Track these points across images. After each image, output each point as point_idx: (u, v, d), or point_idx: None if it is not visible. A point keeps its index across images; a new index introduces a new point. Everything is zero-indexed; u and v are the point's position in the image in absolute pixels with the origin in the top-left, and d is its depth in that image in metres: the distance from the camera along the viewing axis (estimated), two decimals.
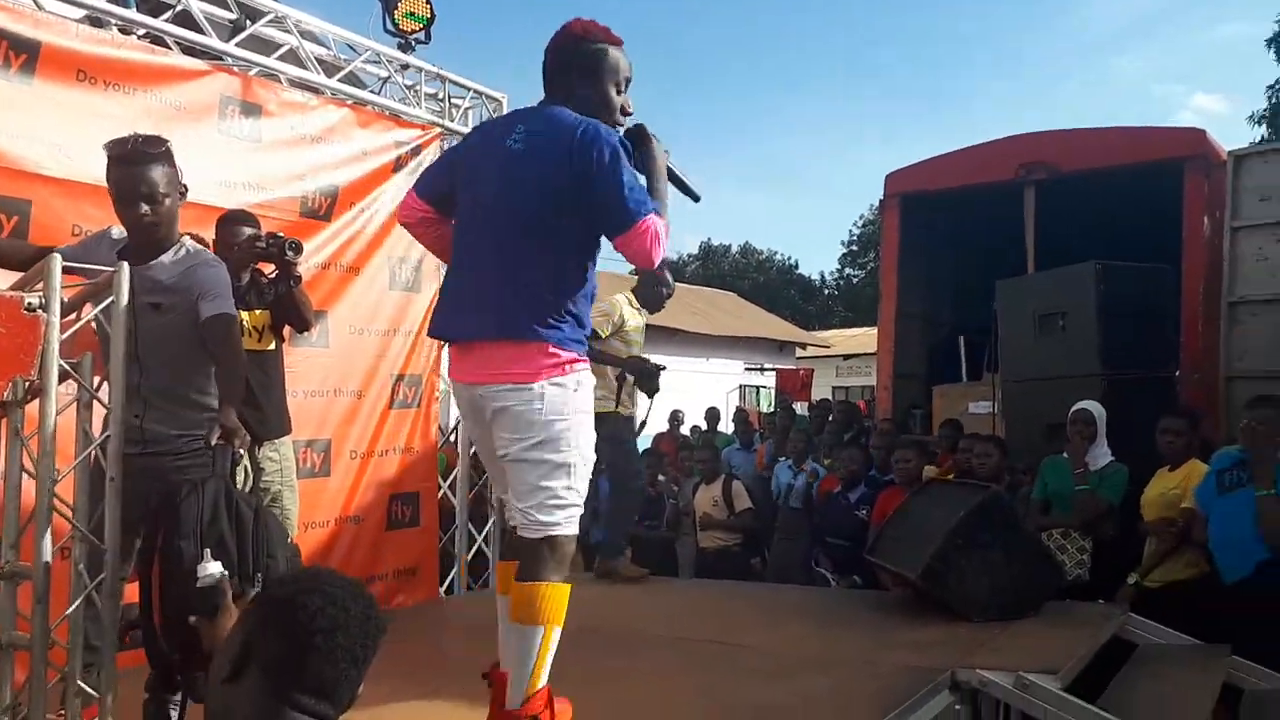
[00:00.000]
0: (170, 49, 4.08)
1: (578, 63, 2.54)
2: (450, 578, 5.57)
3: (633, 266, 2.72)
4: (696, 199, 2.75)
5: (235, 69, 4.28)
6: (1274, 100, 21.00)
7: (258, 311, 3.88)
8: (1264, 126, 20.72)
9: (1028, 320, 6.34)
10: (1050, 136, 7.50)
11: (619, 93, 2.56)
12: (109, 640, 2.50)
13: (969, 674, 3.12)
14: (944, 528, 3.96)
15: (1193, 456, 4.48)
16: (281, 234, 3.85)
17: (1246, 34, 56.59)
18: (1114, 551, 4.63)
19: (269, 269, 3.91)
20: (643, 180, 2.45)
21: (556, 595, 2.31)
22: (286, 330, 4.06)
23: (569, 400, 2.36)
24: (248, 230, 3.84)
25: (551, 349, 2.35)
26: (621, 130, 2.54)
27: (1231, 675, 3.61)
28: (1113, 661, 3.61)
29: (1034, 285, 6.60)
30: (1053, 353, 6.12)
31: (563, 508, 2.35)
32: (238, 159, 4.18)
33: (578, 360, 2.40)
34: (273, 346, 3.93)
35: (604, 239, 2.46)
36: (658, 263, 2.42)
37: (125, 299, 2.54)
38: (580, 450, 2.37)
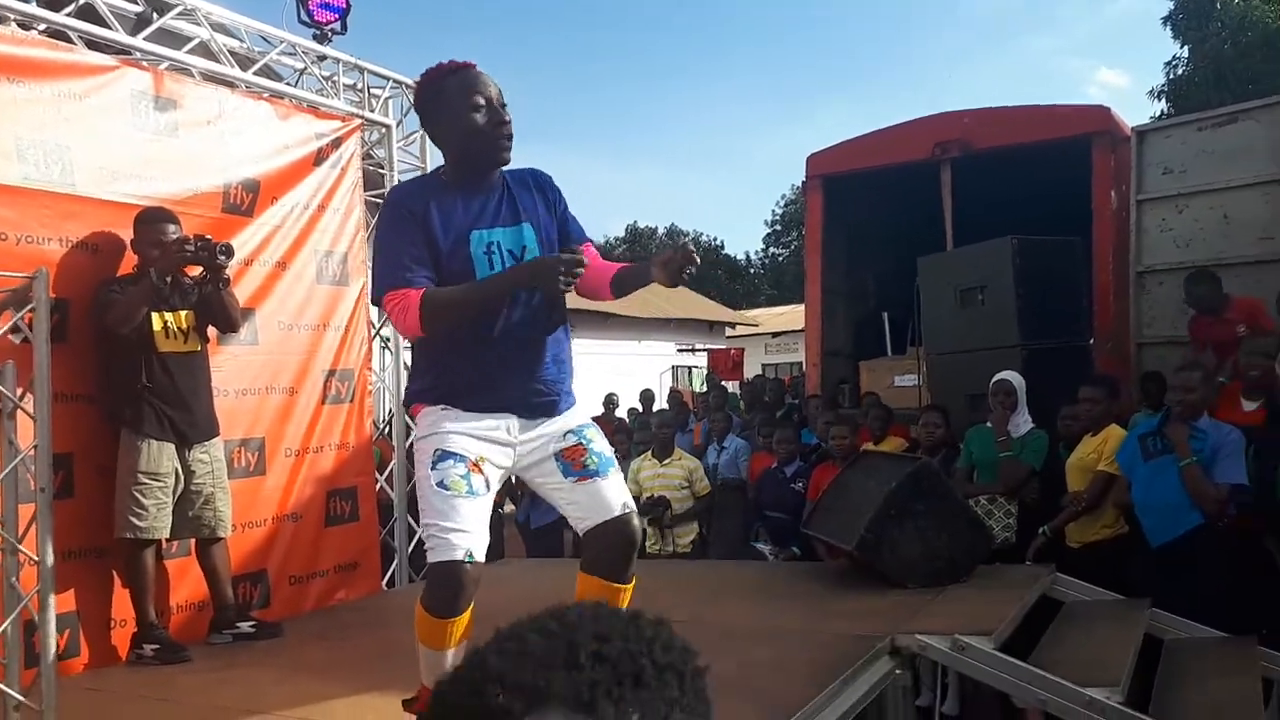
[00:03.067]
0: (74, 44, 3.94)
1: (424, 116, 2.56)
2: (391, 570, 5.54)
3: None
4: None
5: (145, 64, 4.15)
6: (1171, 76, 21.82)
7: (183, 313, 3.80)
8: (1163, 101, 21.53)
9: (949, 295, 6.51)
10: (964, 115, 7.69)
11: (476, 110, 2.38)
12: (48, 652, 2.44)
13: (907, 639, 3.22)
14: (877, 499, 4.07)
15: (1111, 423, 4.67)
16: (209, 237, 3.79)
17: (1144, 10, 58.61)
18: (1038, 514, 4.82)
19: (194, 270, 3.83)
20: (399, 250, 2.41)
21: (418, 617, 2.37)
22: (211, 331, 3.99)
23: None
24: (171, 228, 3.76)
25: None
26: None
27: (1152, 627, 3.80)
28: (1042, 619, 3.76)
29: (954, 261, 6.79)
30: (973, 326, 6.30)
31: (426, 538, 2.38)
32: (153, 154, 4.07)
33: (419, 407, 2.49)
34: (199, 348, 3.87)
35: None
36: (412, 334, 2.43)
37: (45, 307, 2.47)
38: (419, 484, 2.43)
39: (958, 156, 7.39)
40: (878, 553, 4.01)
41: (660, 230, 49.80)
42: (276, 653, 3.76)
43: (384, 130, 5.57)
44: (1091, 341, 6.53)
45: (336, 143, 5.01)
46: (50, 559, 2.44)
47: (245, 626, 3.91)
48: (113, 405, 3.69)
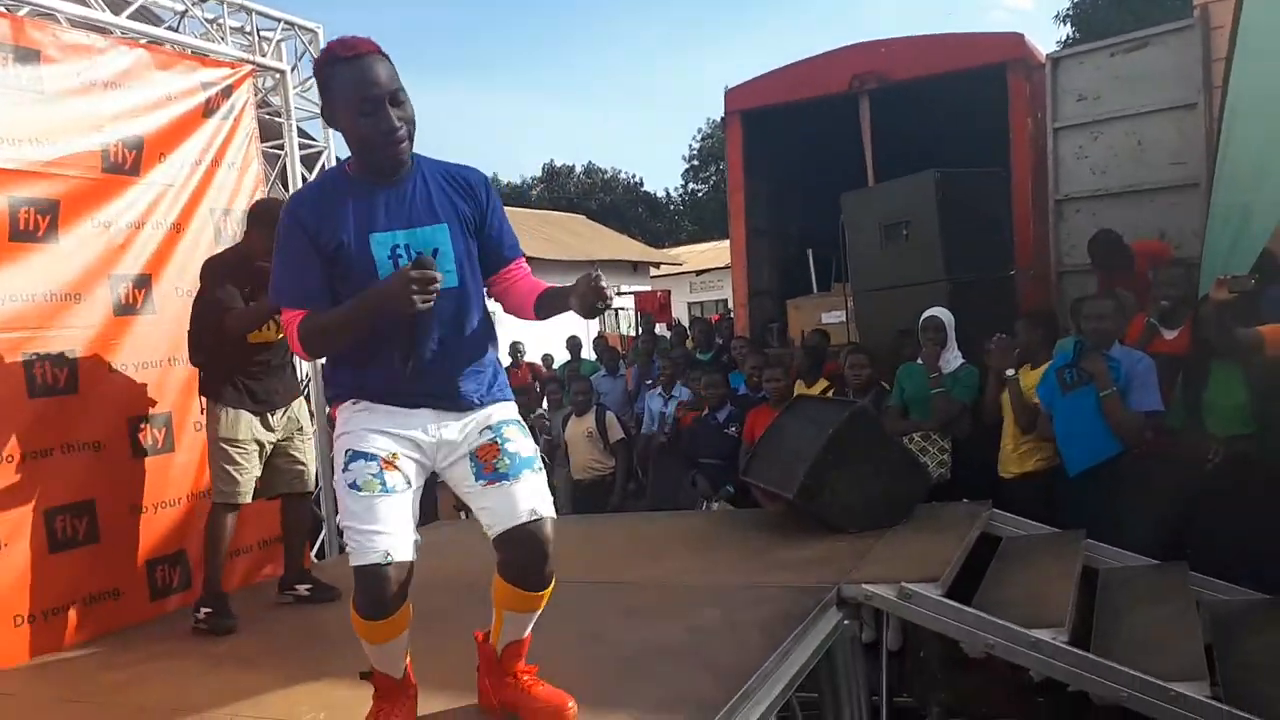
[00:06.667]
0: None
1: (321, 102, 2.36)
2: (320, 541, 5.35)
3: None
4: None
5: (1, 10, 3.75)
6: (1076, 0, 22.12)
7: None
8: (1069, 25, 21.83)
9: (873, 230, 6.45)
10: (879, 46, 7.55)
11: (364, 115, 2.19)
12: None
13: (854, 589, 3.19)
14: (815, 445, 4.02)
15: (1048, 357, 4.69)
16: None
17: None
18: (971, 449, 4.85)
19: None
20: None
21: (352, 618, 2.28)
22: (106, 300, 3.73)
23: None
24: None
25: None
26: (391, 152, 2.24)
27: (1088, 558, 3.85)
28: (981, 556, 3.78)
29: (877, 196, 6.72)
30: (899, 261, 6.27)
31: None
32: (18, 112, 3.70)
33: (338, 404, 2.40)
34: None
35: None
36: (303, 355, 2.38)
37: None
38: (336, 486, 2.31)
39: (875, 88, 7.29)
40: (818, 499, 3.97)
41: (578, 168, 49.11)
42: (198, 641, 3.56)
43: (278, 76, 5.21)
44: (1014, 272, 6.57)
45: (227, 92, 4.66)
46: None
47: (302, 589, 3.94)
48: (202, 376, 3.85)
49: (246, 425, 3.75)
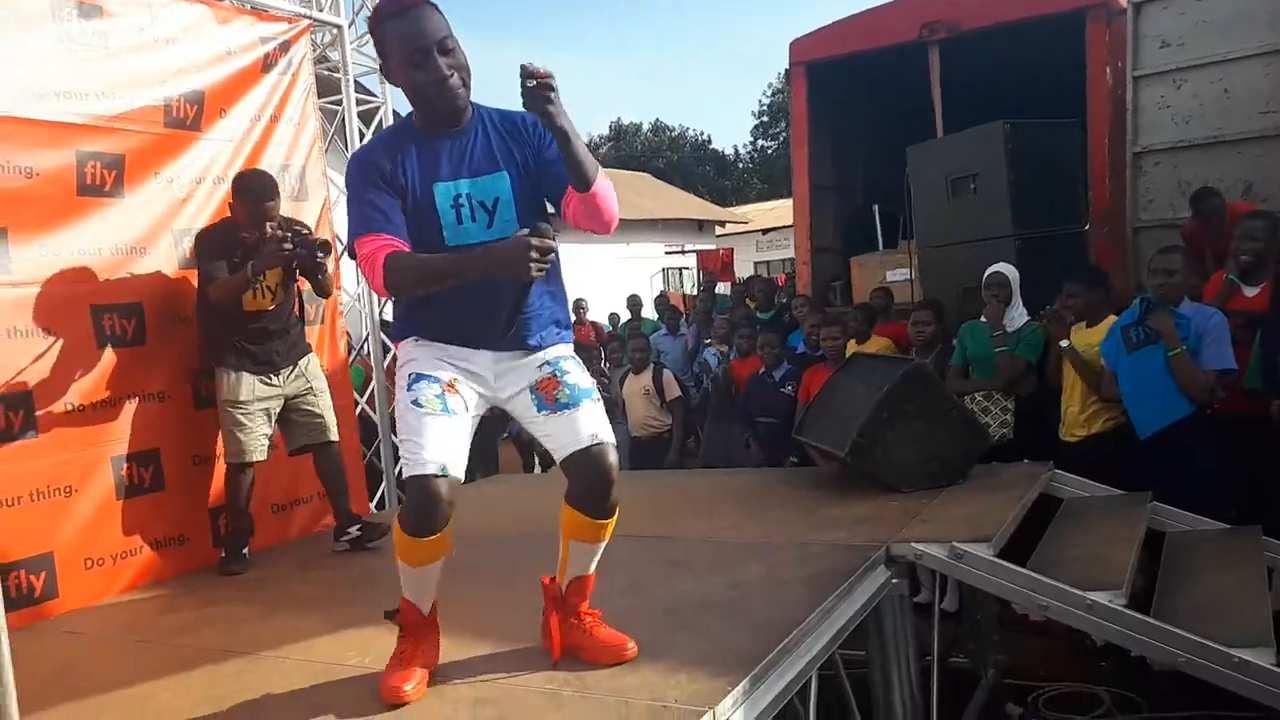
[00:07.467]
0: None
1: (379, 57, 2.39)
2: (380, 492, 5.46)
3: None
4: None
5: None
6: None
7: (270, 273, 3.86)
8: None
9: (940, 185, 6.29)
10: None
11: (415, 66, 2.23)
12: None
13: (903, 548, 3.13)
14: (869, 403, 3.94)
15: (1109, 313, 4.51)
16: (306, 231, 3.93)
17: None
18: (1034, 408, 4.71)
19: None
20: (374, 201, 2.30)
21: (395, 533, 2.34)
22: (170, 254, 3.91)
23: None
24: (271, 205, 3.82)
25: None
26: (448, 101, 2.27)
27: (1153, 521, 3.72)
28: (1041, 518, 3.67)
29: (944, 149, 6.53)
30: (966, 216, 6.10)
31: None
32: (83, 68, 3.77)
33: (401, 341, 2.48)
34: (285, 299, 4.01)
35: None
36: (379, 294, 2.47)
37: None
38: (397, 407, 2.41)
39: (946, 38, 7.04)
40: (871, 458, 3.90)
41: (645, 126, 48.81)
42: (258, 587, 3.67)
43: (335, 31, 5.23)
44: (1087, 227, 6.33)
45: (285, 46, 4.69)
46: None
47: (354, 530, 4.03)
48: (204, 344, 3.95)
49: (249, 387, 3.84)
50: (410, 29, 2.22)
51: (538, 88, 2.08)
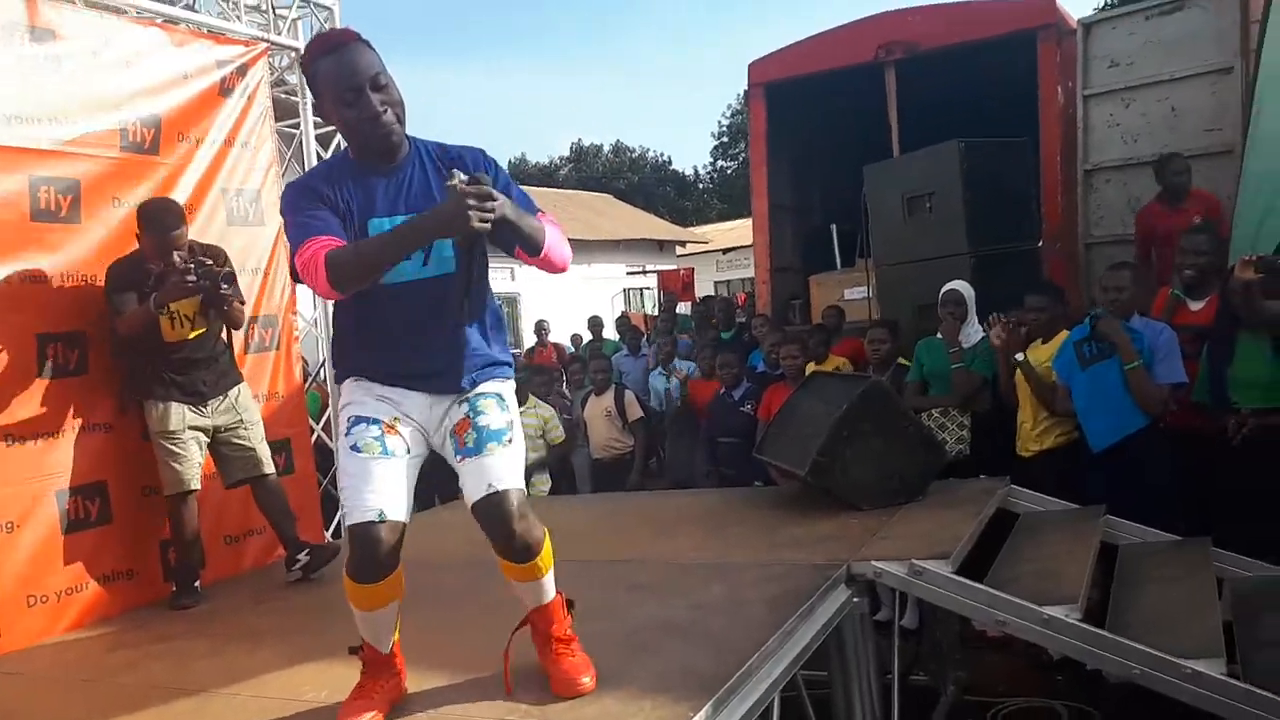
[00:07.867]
0: None
1: (314, 97, 2.38)
2: (336, 520, 5.38)
3: None
4: None
5: None
6: None
7: (186, 301, 3.77)
8: None
9: (896, 203, 6.36)
10: (907, 15, 7.43)
11: (347, 105, 2.21)
12: None
13: (864, 566, 3.14)
14: (828, 421, 3.96)
15: (1062, 328, 4.59)
16: (210, 262, 3.78)
17: None
18: (990, 424, 4.76)
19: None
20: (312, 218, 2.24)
21: (344, 582, 2.33)
22: None
23: None
24: (176, 233, 3.72)
25: None
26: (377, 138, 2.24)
27: (1107, 534, 3.76)
28: (998, 534, 3.71)
29: (900, 168, 6.61)
30: (922, 234, 6.17)
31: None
32: (36, 92, 3.71)
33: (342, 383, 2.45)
34: (206, 327, 3.90)
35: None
36: (325, 294, 2.24)
37: None
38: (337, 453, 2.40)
39: (902, 58, 7.16)
40: (831, 476, 3.92)
41: (606, 147, 48.91)
42: (210, 621, 3.59)
43: (292, 55, 5.20)
44: (1041, 244, 6.44)
45: (242, 70, 4.65)
46: None
47: (303, 556, 3.97)
48: (129, 377, 3.84)
49: (178, 416, 3.77)
50: (342, 68, 2.21)
51: (473, 208, 2.01)
